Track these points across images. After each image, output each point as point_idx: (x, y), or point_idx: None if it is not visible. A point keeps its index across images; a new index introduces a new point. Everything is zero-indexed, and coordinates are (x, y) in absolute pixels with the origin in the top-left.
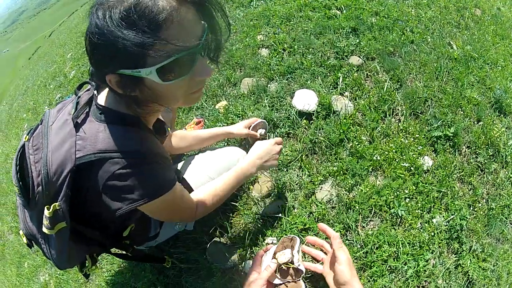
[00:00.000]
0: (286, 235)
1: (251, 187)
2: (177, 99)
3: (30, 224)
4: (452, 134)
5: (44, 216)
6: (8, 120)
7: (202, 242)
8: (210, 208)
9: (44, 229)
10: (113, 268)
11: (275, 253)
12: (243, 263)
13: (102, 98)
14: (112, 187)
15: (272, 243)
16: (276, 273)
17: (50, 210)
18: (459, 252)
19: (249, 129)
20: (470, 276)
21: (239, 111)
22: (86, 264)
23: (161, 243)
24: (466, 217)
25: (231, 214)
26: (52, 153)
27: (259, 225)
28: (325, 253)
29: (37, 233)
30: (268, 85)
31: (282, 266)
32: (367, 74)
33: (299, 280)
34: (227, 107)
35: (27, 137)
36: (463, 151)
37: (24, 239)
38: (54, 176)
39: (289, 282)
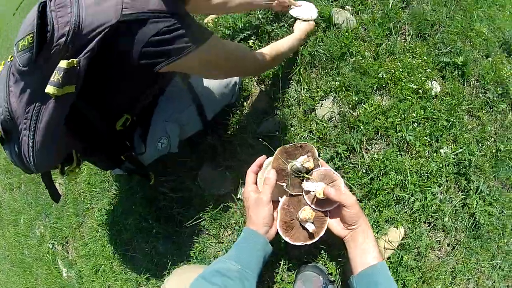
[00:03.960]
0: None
1: (245, 103)
2: None
3: (17, 100)
4: (461, 63)
5: (56, 70)
6: None
7: (193, 167)
8: (271, 59)
9: (50, 88)
10: (103, 207)
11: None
12: (238, 188)
13: None
14: (158, 42)
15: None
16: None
17: (69, 61)
18: (466, 190)
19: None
20: (476, 219)
21: (229, 23)
22: (73, 161)
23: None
24: (475, 153)
25: (223, 134)
26: (87, 8)
27: (254, 145)
28: None
29: (23, 113)
30: None
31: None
32: None
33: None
34: (216, 19)
35: None
36: (472, 83)
37: None
38: (87, 28)
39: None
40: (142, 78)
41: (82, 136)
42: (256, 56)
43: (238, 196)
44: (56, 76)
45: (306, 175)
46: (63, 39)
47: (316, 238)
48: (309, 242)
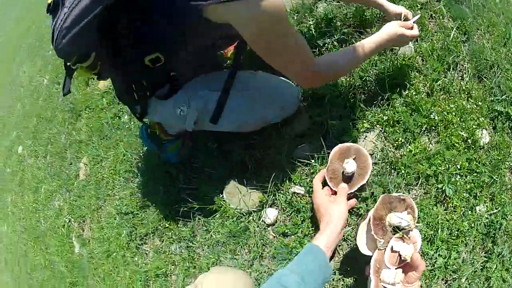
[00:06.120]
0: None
1: (285, 121)
2: None
3: None
4: None
5: None
6: None
7: (221, 178)
8: (328, 74)
9: None
10: (124, 197)
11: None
12: (263, 210)
13: None
14: None
15: (299, 193)
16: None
17: None
18: (489, 252)
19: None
20: (490, 284)
21: None
22: (89, 58)
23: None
24: (507, 216)
25: (255, 151)
26: None
27: (287, 169)
28: None
29: None
30: (316, 5)
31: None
32: (431, 14)
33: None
34: None
35: None
36: None
37: None
38: None
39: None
40: (186, 19)
41: (109, 50)
42: (312, 60)
43: (262, 219)
44: None
45: (405, 236)
46: None
47: None
48: None
